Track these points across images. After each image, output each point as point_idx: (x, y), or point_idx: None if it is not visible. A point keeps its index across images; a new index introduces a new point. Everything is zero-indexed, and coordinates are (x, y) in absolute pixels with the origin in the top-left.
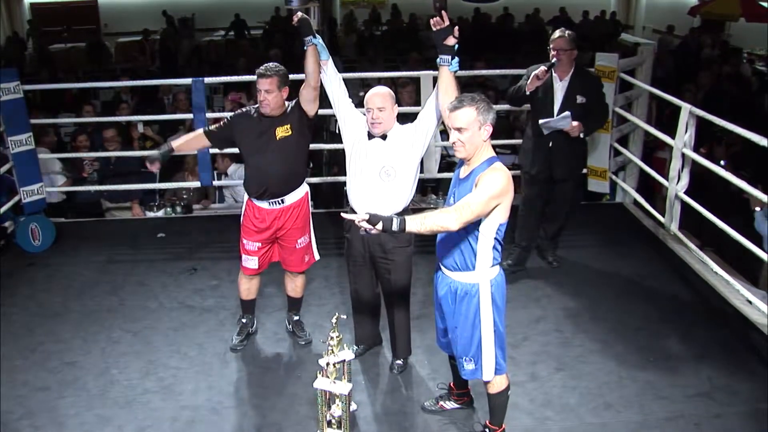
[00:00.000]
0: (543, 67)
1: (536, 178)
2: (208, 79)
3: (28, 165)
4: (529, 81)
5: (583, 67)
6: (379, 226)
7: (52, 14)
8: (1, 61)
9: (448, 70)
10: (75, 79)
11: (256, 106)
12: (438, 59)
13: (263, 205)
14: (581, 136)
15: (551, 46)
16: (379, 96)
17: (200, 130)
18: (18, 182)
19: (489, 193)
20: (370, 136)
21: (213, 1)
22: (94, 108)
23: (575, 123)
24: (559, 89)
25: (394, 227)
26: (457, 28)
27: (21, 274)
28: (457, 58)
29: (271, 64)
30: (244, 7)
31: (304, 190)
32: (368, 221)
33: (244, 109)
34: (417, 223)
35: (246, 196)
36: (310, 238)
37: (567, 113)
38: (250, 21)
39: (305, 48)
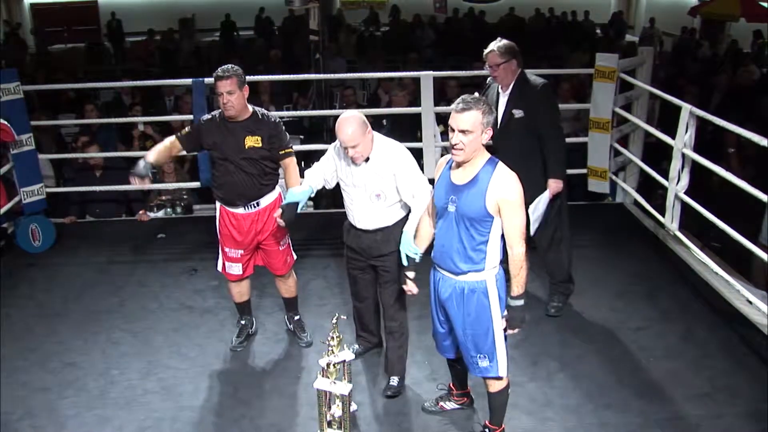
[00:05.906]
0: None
1: None
2: (208, 80)
3: (28, 165)
4: None
5: (526, 77)
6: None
7: (52, 14)
8: (1, 61)
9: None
10: (75, 80)
11: (220, 111)
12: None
13: (238, 210)
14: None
15: (486, 62)
16: (348, 131)
17: (172, 137)
18: (18, 183)
19: (521, 205)
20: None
21: (214, 2)
22: (97, 107)
23: (552, 182)
24: (502, 104)
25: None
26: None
27: (21, 275)
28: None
29: (226, 65)
30: (244, 8)
31: (277, 191)
32: (508, 323)
33: (208, 116)
34: (519, 287)
35: (218, 202)
36: (288, 239)
37: (536, 206)
38: (249, 21)
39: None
